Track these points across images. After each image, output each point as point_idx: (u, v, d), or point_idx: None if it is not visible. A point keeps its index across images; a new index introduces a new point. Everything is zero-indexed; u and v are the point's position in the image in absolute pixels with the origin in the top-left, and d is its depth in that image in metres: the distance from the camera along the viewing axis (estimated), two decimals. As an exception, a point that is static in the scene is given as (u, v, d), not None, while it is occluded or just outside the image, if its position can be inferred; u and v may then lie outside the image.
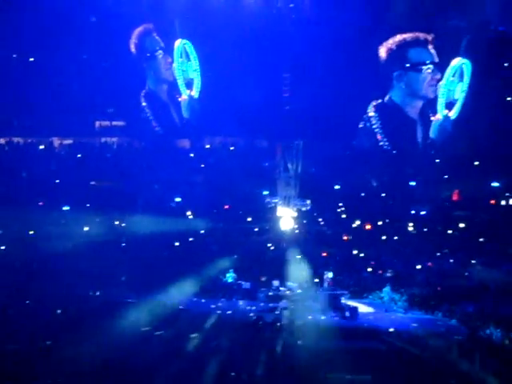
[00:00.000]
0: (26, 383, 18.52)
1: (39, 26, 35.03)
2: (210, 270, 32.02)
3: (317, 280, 31.62)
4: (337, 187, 36.37)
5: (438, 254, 34.39)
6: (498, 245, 33.14)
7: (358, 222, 36.75)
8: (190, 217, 37.08)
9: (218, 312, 26.79)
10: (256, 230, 36.86)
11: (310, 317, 26.96)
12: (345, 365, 19.95)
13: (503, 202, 34.28)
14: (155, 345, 21.53)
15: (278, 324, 24.44)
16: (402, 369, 20.01)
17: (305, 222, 35.78)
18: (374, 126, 32.76)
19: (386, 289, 30.83)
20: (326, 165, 35.09)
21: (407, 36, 31.66)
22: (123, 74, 35.74)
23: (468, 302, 28.42)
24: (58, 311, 25.45)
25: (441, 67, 31.79)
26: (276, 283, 31.24)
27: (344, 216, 37.26)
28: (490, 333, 23.65)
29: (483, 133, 32.22)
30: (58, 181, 36.79)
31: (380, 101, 32.93)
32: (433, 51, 31.64)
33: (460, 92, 32.02)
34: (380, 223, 36.23)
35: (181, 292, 29.70)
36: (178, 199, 37.22)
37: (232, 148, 38.70)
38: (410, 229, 35.99)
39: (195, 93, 34.84)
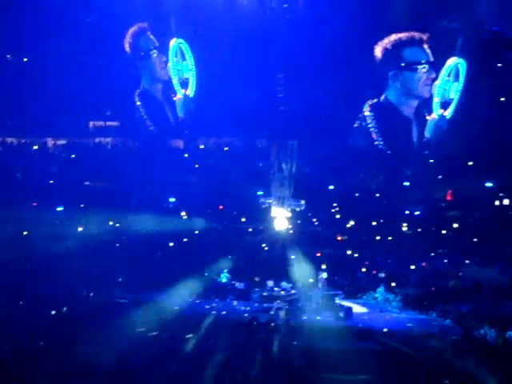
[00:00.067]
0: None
1: (33, 25, 34.92)
2: (204, 271, 32.00)
3: (311, 280, 31.63)
4: (331, 187, 36.39)
5: (433, 254, 34.45)
6: (491, 245, 33.22)
7: (352, 223, 36.78)
8: (185, 217, 37.04)
9: (213, 313, 26.72)
10: (250, 230, 36.85)
11: (304, 317, 26.98)
12: (340, 365, 19.97)
13: (497, 202, 34.36)
14: (150, 346, 21.46)
15: (273, 324, 24.36)
16: (397, 369, 19.98)
17: (299, 222, 35.80)
18: (369, 126, 32.77)
19: (380, 289, 30.85)
20: (321, 165, 35.11)
21: (402, 35, 31.67)
22: (118, 74, 35.64)
23: (462, 301, 28.44)
24: (53, 312, 25.35)
25: (436, 67, 31.82)
26: (270, 283, 31.24)
27: (338, 216, 37.29)
28: (484, 333, 23.66)
29: (478, 132, 32.27)
30: (51, 181, 36.72)
31: (375, 100, 32.96)
32: (428, 51, 31.67)
33: (455, 92, 32.07)
34: (374, 223, 36.28)
35: (175, 293, 29.68)
36: (172, 199, 37.16)
37: (226, 148, 38.64)
38: (405, 229, 36.03)
39: (190, 92, 34.79)
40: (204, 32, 34.04)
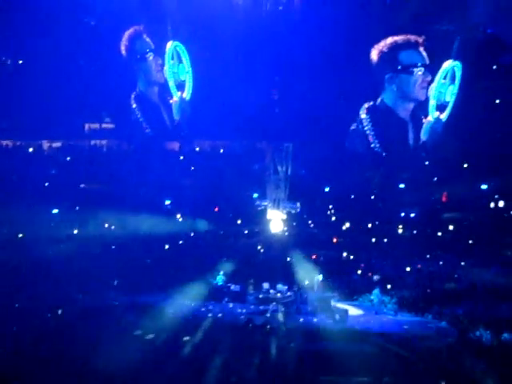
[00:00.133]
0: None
1: (28, 28, 34.84)
2: (200, 273, 31.99)
3: (307, 282, 31.68)
4: (327, 190, 36.46)
5: (428, 256, 34.55)
6: (487, 247, 33.32)
7: (347, 225, 36.86)
8: (180, 219, 37.06)
9: (209, 315, 26.73)
10: (246, 232, 36.88)
11: (300, 319, 27.01)
12: (336, 367, 20.03)
13: (492, 205, 34.44)
14: (146, 348, 21.47)
15: (268, 327, 24.38)
16: (392, 371, 20.05)
17: (295, 224, 35.84)
18: (365, 129, 32.82)
19: (376, 291, 30.85)
20: (316, 167, 35.15)
21: (398, 38, 31.70)
22: (113, 77, 35.61)
23: (458, 303, 28.50)
24: (48, 314, 25.35)
25: (432, 69, 31.89)
26: (266, 286, 31.26)
27: (334, 218, 37.37)
28: (480, 334, 23.72)
29: (474, 135, 32.38)
30: (47, 183, 36.68)
31: (372, 103, 33.00)
32: (424, 53, 31.69)
33: (451, 94, 32.14)
34: (370, 225, 36.38)
35: (170, 295, 29.70)
36: (167, 202, 37.18)
37: (222, 150, 38.67)
38: (400, 231, 36.13)
39: (187, 95, 34.76)
40: (200, 34, 34.04)
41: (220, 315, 26.77)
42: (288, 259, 33.72)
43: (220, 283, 31.51)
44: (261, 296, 30.34)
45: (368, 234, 36.25)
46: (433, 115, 32.18)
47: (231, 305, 29.55)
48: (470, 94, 31.86)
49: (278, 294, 30.23)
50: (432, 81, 31.89)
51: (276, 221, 34.08)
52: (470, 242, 34.62)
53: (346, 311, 27.43)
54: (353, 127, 33.07)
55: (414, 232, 36.09)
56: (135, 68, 35.68)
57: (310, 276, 31.65)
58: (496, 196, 34.41)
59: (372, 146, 32.75)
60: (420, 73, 31.67)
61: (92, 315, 25.09)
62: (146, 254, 34.35)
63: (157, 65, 35.08)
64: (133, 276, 31.25)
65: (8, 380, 18.51)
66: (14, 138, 39.06)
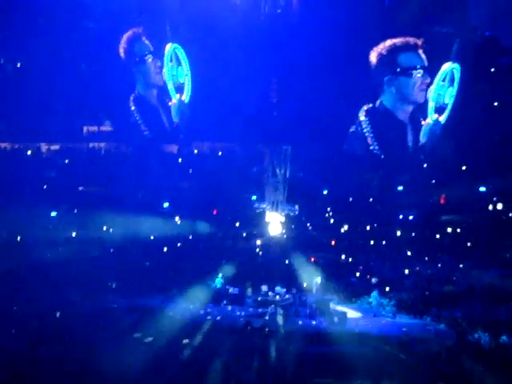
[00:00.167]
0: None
1: (27, 30, 34.89)
2: (198, 276, 31.97)
3: (305, 285, 31.67)
4: (325, 192, 36.46)
5: (426, 258, 34.56)
6: (485, 249, 33.34)
7: (346, 227, 36.85)
8: (179, 222, 37.03)
9: (208, 318, 26.70)
10: (244, 235, 36.86)
11: (299, 322, 27.01)
12: (335, 370, 20.04)
13: (491, 207, 34.45)
14: (145, 351, 21.46)
15: (267, 329, 24.37)
16: (391, 373, 20.05)
17: (293, 227, 35.84)
18: (364, 131, 32.85)
19: (374, 293, 30.87)
20: (315, 170, 35.15)
21: (397, 41, 31.78)
22: (112, 79, 35.63)
23: (456, 306, 28.50)
24: (46, 317, 25.31)
25: (431, 72, 31.95)
26: (265, 288, 31.24)
27: (332, 221, 37.37)
28: (479, 337, 23.73)
29: (472, 137, 32.45)
30: (45, 186, 36.63)
31: (371, 105, 33.05)
32: (423, 56, 31.77)
33: (449, 97, 32.19)
34: (369, 228, 36.38)
35: (169, 298, 29.69)
36: (166, 204, 37.15)
37: (220, 153, 38.66)
38: (399, 233, 36.11)
39: (186, 97, 34.76)
40: (199, 37, 34.06)
41: (219, 318, 26.74)
42: (286, 262, 33.69)
43: (219, 286, 31.49)
44: (259, 299, 30.32)
45: (366, 237, 36.24)
46: (432, 117, 32.27)
47: (230, 307, 29.52)
48: (468, 96, 31.94)
49: (277, 297, 30.21)
50: (431, 83, 31.99)
51: (274, 223, 34.10)
52: (469, 244, 34.63)
53: (344, 314, 27.42)
54: (352, 129, 33.14)
55: (413, 234, 36.08)
56: (134, 70, 35.71)
57: (308, 278, 31.62)
58: (494, 198, 34.42)
59: (371, 148, 32.82)
60: (419, 75, 31.75)
61: (90, 318, 25.03)
62: (144, 256, 34.31)
63: (156, 67, 35.14)
64: (131, 278, 31.21)
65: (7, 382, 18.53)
66: (12, 141, 38.99)
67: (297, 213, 34.58)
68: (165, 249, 35.57)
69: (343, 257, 35.38)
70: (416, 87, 31.92)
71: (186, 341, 22.45)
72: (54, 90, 35.58)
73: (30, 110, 36.12)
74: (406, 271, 33.70)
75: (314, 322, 27.22)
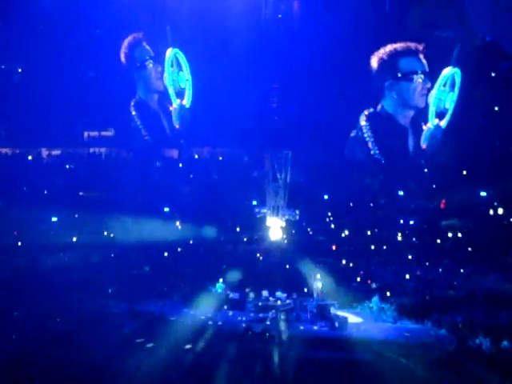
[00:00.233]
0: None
1: (28, 35, 34.97)
2: (199, 280, 31.97)
3: (306, 290, 31.64)
4: (326, 197, 36.48)
5: (427, 263, 34.55)
6: (486, 254, 33.32)
7: (347, 232, 36.85)
8: (179, 227, 37.05)
9: (210, 323, 26.67)
10: (245, 239, 36.87)
11: (301, 327, 26.99)
12: (335, 375, 20.00)
13: (492, 212, 34.46)
14: (145, 356, 21.43)
15: (268, 334, 24.33)
16: (392, 379, 20.01)
17: (294, 232, 35.83)
18: (365, 136, 32.87)
19: (375, 298, 30.78)
20: (316, 174, 35.18)
21: (398, 46, 31.83)
22: (113, 84, 35.70)
23: (457, 311, 28.44)
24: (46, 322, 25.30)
25: (431, 76, 31.99)
26: (265, 293, 31.20)
27: (333, 226, 37.37)
28: (480, 342, 23.67)
29: (473, 142, 32.48)
30: (46, 191, 36.68)
31: (372, 110, 33.07)
32: (424, 61, 31.82)
33: (450, 101, 32.20)
34: (369, 233, 36.39)
35: (170, 303, 29.69)
36: (166, 209, 37.18)
37: (221, 158, 38.73)
38: (400, 238, 36.12)
39: (187, 102, 34.80)
40: (200, 42, 34.11)
41: (220, 323, 26.71)
42: (287, 267, 33.68)
43: (219, 291, 31.46)
44: (260, 304, 30.28)
45: (367, 241, 36.24)
46: (432, 122, 32.27)
47: (231, 312, 29.49)
48: (469, 101, 31.95)
49: (278, 302, 30.16)
50: (432, 88, 32.00)
51: (275, 228, 34.09)
52: (470, 249, 34.63)
53: (345, 319, 27.37)
54: (352, 134, 33.14)
55: (414, 239, 36.08)
56: (135, 75, 35.76)
57: (309, 283, 31.59)
58: (495, 203, 34.43)
59: (372, 152, 32.81)
60: (420, 80, 31.78)
61: (90, 323, 25.01)
62: (145, 261, 34.32)
63: (156, 72, 35.18)
64: (132, 283, 31.20)
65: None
66: (13, 146, 39.08)
67: (297, 218, 34.57)
68: (165, 254, 35.59)
69: (344, 262, 35.35)
70: (417, 92, 31.96)
71: (188, 346, 22.44)
72: (54, 95, 35.66)
73: (30, 115, 36.20)
74: (407, 276, 33.66)
75: (315, 328, 27.19)
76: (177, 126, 35.30)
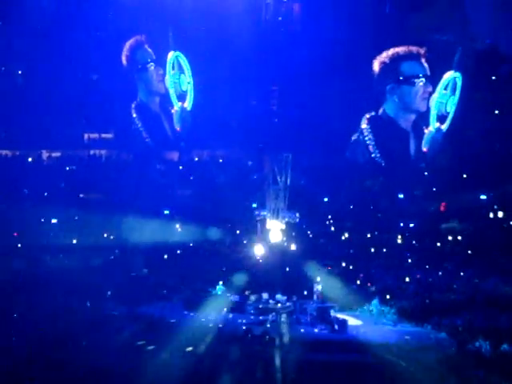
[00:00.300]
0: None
1: (29, 38, 35.02)
2: (199, 283, 31.98)
3: (306, 293, 31.65)
4: (326, 200, 36.50)
5: (427, 266, 34.54)
6: (486, 257, 33.33)
7: (347, 235, 36.85)
8: (179, 229, 37.05)
9: (210, 325, 26.65)
10: (245, 242, 36.84)
11: (301, 330, 26.98)
12: (335, 378, 20.01)
13: (492, 215, 34.49)
14: (146, 358, 21.43)
15: (267, 337, 24.32)
16: (392, 382, 20.02)
17: (294, 234, 35.78)
18: (366, 139, 32.91)
19: (375, 301, 30.79)
20: (316, 177, 35.20)
21: (400, 50, 31.90)
22: (114, 87, 35.74)
23: (457, 314, 28.43)
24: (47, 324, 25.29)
25: (433, 80, 32.03)
26: (265, 296, 31.20)
27: (333, 228, 37.38)
28: (479, 345, 23.66)
29: (474, 145, 32.54)
30: (46, 193, 36.67)
31: (373, 113, 33.11)
32: (425, 65, 31.88)
33: (451, 105, 32.23)
34: (369, 235, 36.39)
35: (170, 305, 29.68)
36: (166, 211, 37.19)
37: (221, 160, 38.75)
38: (400, 241, 36.13)
39: (188, 105, 34.83)
40: (201, 45, 34.17)
41: (220, 325, 26.69)
42: (287, 269, 33.66)
43: (219, 293, 31.47)
44: (260, 306, 30.27)
45: (367, 244, 36.23)
46: (434, 125, 32.29)
47: (231, 315, 29.48)
48: (470, 104, 32.00)
49: (278, 304, 30.15)
50: (433, 91, 32.02)
51: (275, 231, 34.04)
52: (469, 252, 34.63)
53: (345, 321, 27.38)
54: (354, 137, 33.17)
55: (414, 242, 36.08)
56: (136, 78, 35.82)
57: (309, 286, 31.59)
58: (495, 206, 34.45)
59: (373, 156, 32.84)
60: (421, 83, 31.83)
61: (90, 325, 25.01)
62: (145, 263, 34.31)
63: (158, 75, 35.22)
64: (132, 285, 31.20)
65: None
66: (13, 148, 39.07)
67: (297, 220, 34.52)
68: (165, 256, 35.59)
69: (344, 264, 35.34)
70: (418, 96, 32.01)
71: (189, 348, 22.44)
72: (55, 96, 35.70)
73: (31, 117, 36.23)
74: (407, 279, 33.66)
75: (315, 330, 27.19)
76: (178, 129, 35.34)
